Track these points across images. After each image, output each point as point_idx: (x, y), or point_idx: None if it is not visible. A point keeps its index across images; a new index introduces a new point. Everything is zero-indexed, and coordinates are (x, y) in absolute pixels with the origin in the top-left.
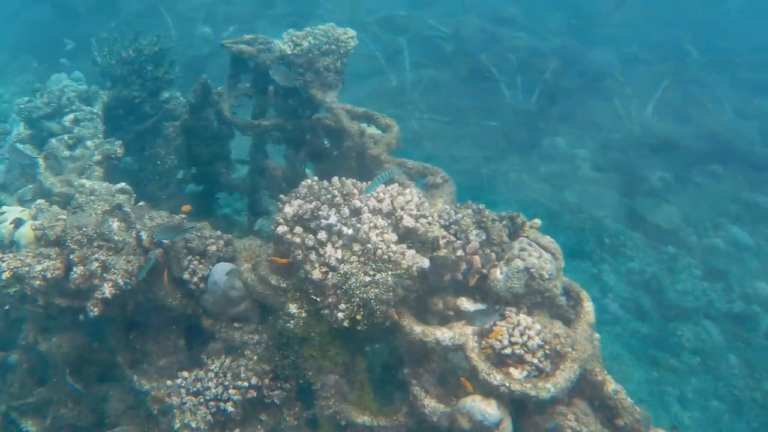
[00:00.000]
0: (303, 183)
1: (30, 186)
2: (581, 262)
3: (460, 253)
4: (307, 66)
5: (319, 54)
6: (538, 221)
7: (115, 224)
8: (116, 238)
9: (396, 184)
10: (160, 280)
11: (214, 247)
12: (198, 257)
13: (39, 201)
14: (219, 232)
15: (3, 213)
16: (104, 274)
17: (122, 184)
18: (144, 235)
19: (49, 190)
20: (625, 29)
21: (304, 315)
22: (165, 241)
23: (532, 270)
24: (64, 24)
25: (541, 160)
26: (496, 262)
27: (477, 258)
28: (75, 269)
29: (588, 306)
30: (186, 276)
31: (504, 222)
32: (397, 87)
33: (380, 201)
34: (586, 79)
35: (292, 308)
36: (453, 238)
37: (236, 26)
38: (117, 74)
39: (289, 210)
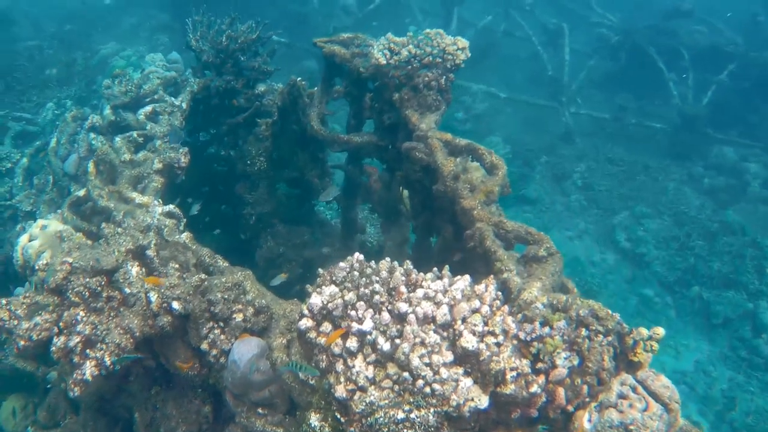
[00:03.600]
0: (342, 264)
1: (80, 192)
2: (736, 294)
3: (535, 389)
4: (404, 80)
5: (420, 67)
6: (660, 331)
7: (134, 270)
8: (128, 291)
9: (466, 277)
10: (174, 344)
11: (240, 316)
12: (221, 325)
13: (61, 228)
14: (253, 294)
15: (37, 228)
16: (87, 351)
17: (170, 207)
18: (153, 296)
19: (95, 202)
20: None
21: (327, 430)
22: (177, 308)
23: (632, 428)
24: None
25: (705, 170)
26: (587, 398)
27: (561, 391)
28: (55, 339)
29: None
30: (204, 347)
31: (609, 339)
32: (553, 76)
33: (437, 304)
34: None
35: (314, 419)
36: (526, 370)
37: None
38: (209, 62)
39: (316, 300)
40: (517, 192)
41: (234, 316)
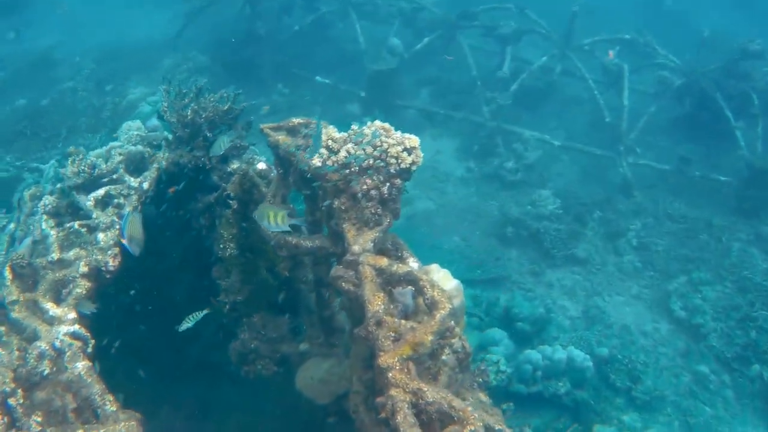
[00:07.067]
0: None
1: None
2: None
3: None
4: (343, 186)
5: (360, 171)
6: None
7: None
8: None
9: None
10: None
11: None
12: None
13: None
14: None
15: None
16: None
17: (74, 328)
18: None
19: (7, 313)
20: None
21: None
22: None
23: None
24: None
25: None
26: None
27: None
28: None
29: None
30: None
31: None
32: (611, 123)
33: None
34: None
35: None
36: None
37: (436, 35)
38: (177, 135)
39: None
40: (566, 251)
41: None
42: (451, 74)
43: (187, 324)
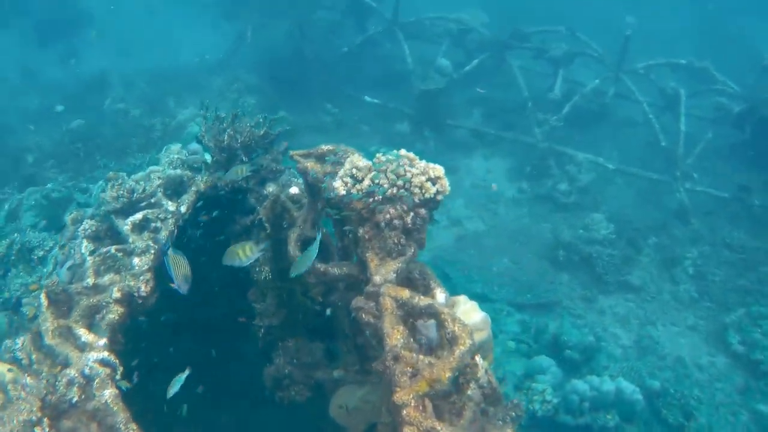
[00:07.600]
0: None
1: (25, 335)
2: None
3: None
4: (367, 214)
5: (384, 200)
6: None
7: None
8: None
9: None
10: None
11: None
12: None
13: None
14: None
15: None
16: None
17: (103, 354)
18: None
19: (41, 338)
20: None
21: None
22: None
23: None
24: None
25: None
26: None
27: None
28: None
29: None
30: None
31: None
32: (666, 148)
33: None
34: None
35: None
36: None
37: (486, 56)
38: (215, 159)
39: None
40: (619, 277)
41: None
42: (501, 95)
43: (173, 389)
